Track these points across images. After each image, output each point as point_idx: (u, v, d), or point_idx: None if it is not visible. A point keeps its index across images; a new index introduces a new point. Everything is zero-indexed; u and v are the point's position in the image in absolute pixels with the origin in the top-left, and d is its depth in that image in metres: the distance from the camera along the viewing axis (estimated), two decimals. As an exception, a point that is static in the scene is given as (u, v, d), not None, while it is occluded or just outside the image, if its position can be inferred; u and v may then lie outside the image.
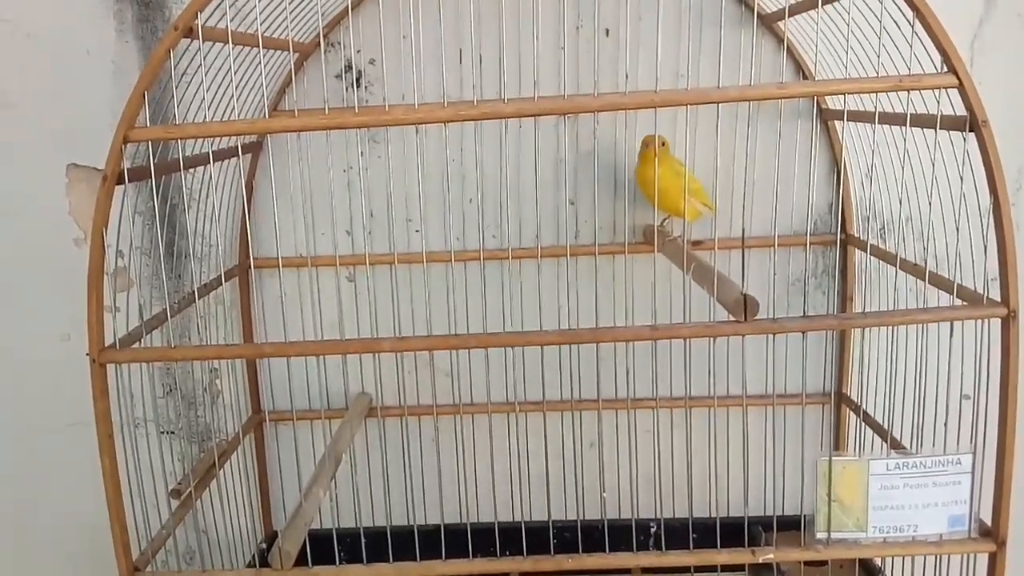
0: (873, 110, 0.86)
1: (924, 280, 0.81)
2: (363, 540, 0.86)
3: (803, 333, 0.75)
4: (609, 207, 1.14)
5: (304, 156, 1.09)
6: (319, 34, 0.81)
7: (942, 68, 0.71)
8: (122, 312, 1.11)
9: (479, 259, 1.07)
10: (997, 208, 0.72)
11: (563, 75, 0.89)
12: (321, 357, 0.79)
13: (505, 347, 0.78)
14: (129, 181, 0.73)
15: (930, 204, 0.81)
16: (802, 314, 0.76)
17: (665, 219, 1.09)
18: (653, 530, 1.16)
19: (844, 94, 0.72)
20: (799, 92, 0.70)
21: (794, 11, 0.90)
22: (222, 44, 0.75)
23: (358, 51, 1.10)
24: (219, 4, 0.72)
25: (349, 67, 1.11)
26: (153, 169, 0.73)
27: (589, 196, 1.13)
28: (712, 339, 0.78)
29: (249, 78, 0.98)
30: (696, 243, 1.10)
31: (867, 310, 1.14)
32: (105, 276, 1.07)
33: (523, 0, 1.05)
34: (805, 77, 1.07)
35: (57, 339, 1.21)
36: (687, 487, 0.93)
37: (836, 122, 1.09)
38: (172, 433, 1.22)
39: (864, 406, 1.11)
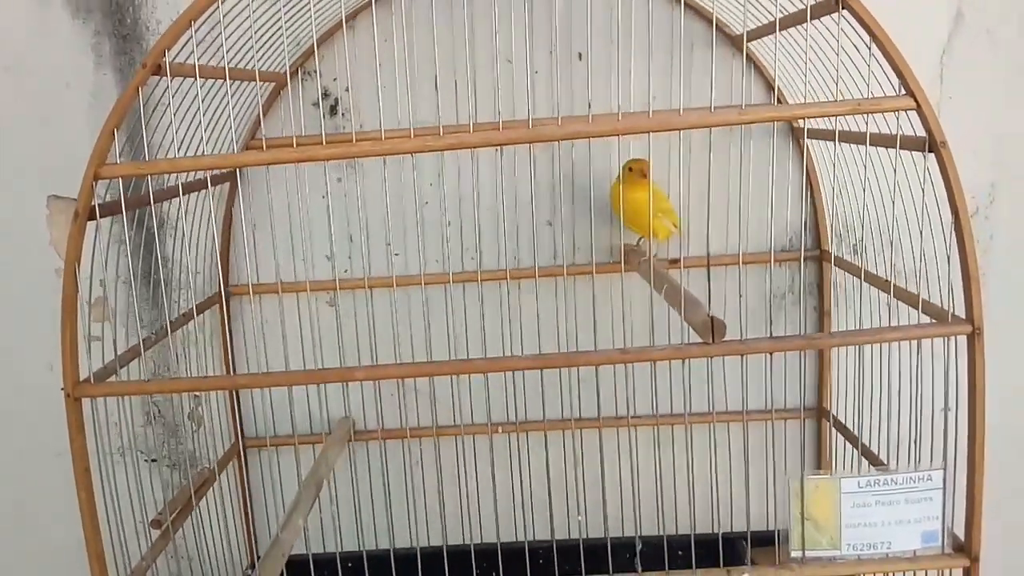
0: (839, 129, 0.87)
1: (890, 294, 0.82)
2: (339, 566, 0.87)
3: (770, 354, 0.76)
4: (586, 228, 1.15)
5: (281, 184, 1.10)
6: (295, 65, 0.82)
7: (900, 91, 0.72)
8: (104, 341, 1.12)
9: (449, 281, 1.08)
10: (958, 226, 0.73)
11: (533, 99, 0.90)
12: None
13: (478, 373, 0.78)
14: (101, 217, 0.73)
15: (895, 221, 0.82)
16: (770, 334, 0.77)
17: (640, 239, 1.10)
18: (639, 548, 1.17)
19: (804, 118, 0.73)
20: (760, 117, 0.71)
21: (753, 36, 0.92)
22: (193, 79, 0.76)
23: (334, 79, 1.11)
24: (189, 39, 0.73)
25: (326, 94, 1.12)
26: (124, 204, 0.74)
27: (567, 217, 1.15)
28: (684, 361, 0.79)
29: (227, 108, 0.99)
30: (672, 262, 1.10)
31: (843, 325, 1.15)
32: (86, 306, 1.08)
33: (498, 24, 1.07)
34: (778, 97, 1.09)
35: (42, 368, 1.21)
36: (659, 503, 0.93)
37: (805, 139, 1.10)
38: (154, 461, 1.23)
39: (844, 420, 1.12)
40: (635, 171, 0.98)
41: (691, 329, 0.78)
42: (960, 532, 0.78)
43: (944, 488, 0.77)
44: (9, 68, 1.13)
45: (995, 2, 1.11)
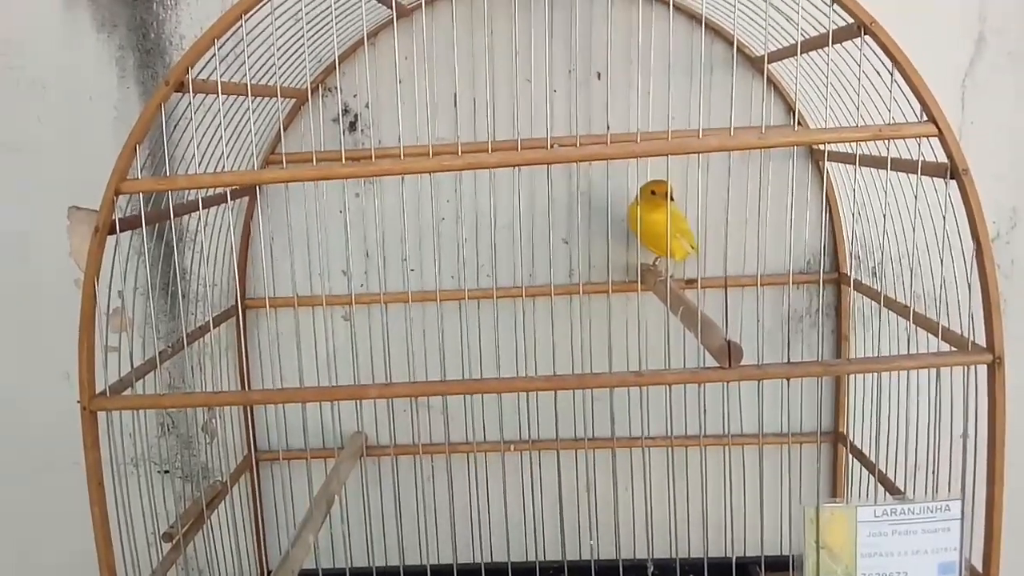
0: (861, 153, 0.87)
1: (909, 320, 0.81)
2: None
3: (787, 380, 0.75)
4: (603, 247, 1.14)
5: (299, 198, 1.10)
6: (316, 81, 0.82)
7: (922, 117, 0.72)
8: (123, 352, 1.13)
9: (465, 298, 1.08)
10: (980, 255, 0.72)
11: (551, 119, 0.90)
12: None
13: (490, 393, 0.77)
14: (121, 231, 0.74)
15: (915, 246, 0.81)
16: (787, 358, 0.77)
17: (656, 259, 1.09)
18: (651, 571, 1.16)
19: (825, 143, 0.73)
20: (780, 142, 0.71)
21: (774, 58, 0.91)
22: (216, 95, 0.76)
23: (354, 95, 1.12)
24: (213, 55, 0.74)
25: (346, 111, 1.13)
26: (144, 219, 0.75)
27: (584, 235, 1.14)
28: (699, 385, 0.78)
29: (249, 122, 1.00)
30: (689, 282, 1.10)
31: (862, 349, 1.14)
32: (104, 317, 1.09)
33: (518, 43, 1.07)
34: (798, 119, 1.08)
35: (59, 377, 1.22)
36: (672, 525, 0.92)
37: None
38: (167, 472, 1.23)
39: (861, 446, 1.11)
40: (659, 194, 0.98)
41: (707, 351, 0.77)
42: (978, 563, 0.77)
43: (962, 519, 0.76)
44: (34, 81, 1.15)
45: (1017, 26, 1.10)
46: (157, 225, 1.07)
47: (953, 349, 0.77)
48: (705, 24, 1.04)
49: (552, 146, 0.72)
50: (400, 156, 0.72)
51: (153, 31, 1.13)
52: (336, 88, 1.12)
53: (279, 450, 1.17)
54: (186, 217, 1.15)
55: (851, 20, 0.71)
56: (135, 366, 0.82)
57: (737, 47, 0.87)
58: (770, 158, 1.08)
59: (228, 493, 1.05)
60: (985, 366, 0.74)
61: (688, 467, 1.14)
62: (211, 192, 0.95)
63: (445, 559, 1.16)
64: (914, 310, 0.81)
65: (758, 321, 0.88)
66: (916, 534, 0.76)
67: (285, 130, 1.11)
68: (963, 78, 1.11)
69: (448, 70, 1.06)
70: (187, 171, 0.87)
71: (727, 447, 1.04)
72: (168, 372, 1.19)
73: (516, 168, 0.74)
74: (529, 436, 1.14)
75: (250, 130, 0.79)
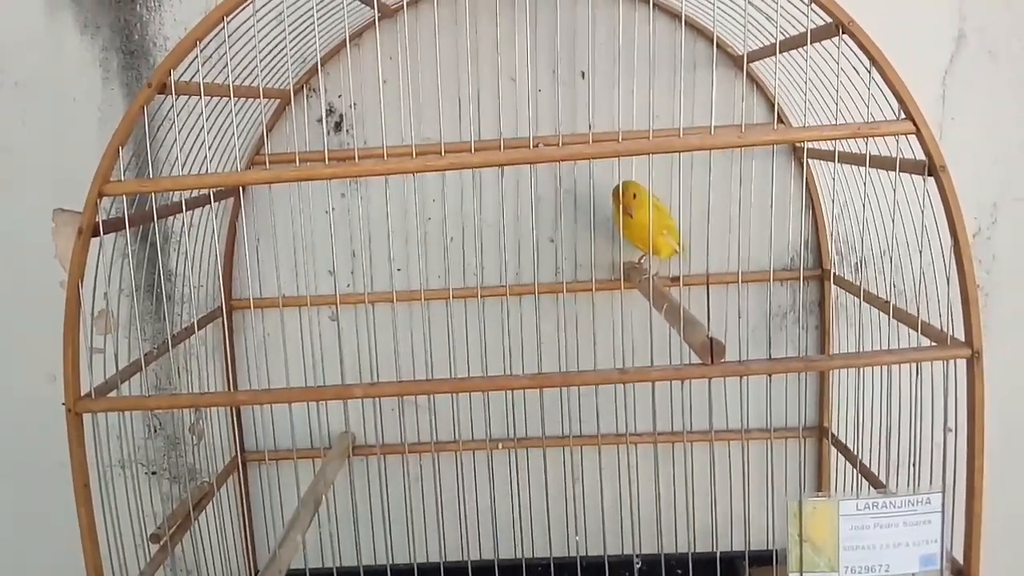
0: (843, 150, 0.88)
1: (889, 315, 0.82)
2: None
3: (769, 376, 0.76)
4: (587, 245, 1.15)
5: (284, 198, 1.10)
6: (300, 82, 0.82)
7: (900, 114, 0.72)
8: (108, 354, 1.13)
9: (450, 297, 1.09)
10: (958, 251, 0.73)
11: (535, 118, 0.91)
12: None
13: (476, 391, 0.78)
14: (105, 233, 0.74)
15: (896, 241, 0.82)
16: (769, 354, 0.77)
17: (641, 256, 1.10)
18: (638, 566, 1.17)
19: (804, 141, 0.74)
20: (759, 140, 0.72)
21: (754, 57, 0.92)
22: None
23: (339, 96, 1.12)
24: (196, 57, 0.74)
25: (331, 111, 1.13)
26: (128, 221, 0.75)
27: (569, 234, 1.15)
28: (682, 381, 0.79)
29: (233, 124, 1.00)
30: (673, 279, 1.11)
31: (845, 343, 1.15)
32: (89, 319, 1.08)
33: (502, 43, 1.08)
34: (780, 118, 1.09)
35: (44, 379, 1.22)
36: (658, 521, 0.93)
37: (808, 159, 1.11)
38: (155, 473, 1.23)
39: (845, 440, 1.12)
40: (637, 198, 0.97)
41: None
42: (959, 556, 0.78)
43: (943, 511, 0.77)
44: (18, 83, 1.14)
45: (997, 24, 1.11)
46: (142, 227, 1.07)
47: (933, 344, 0.78)
48: (686, 23, 1.05)
49: (536, 145, 0.73)
50: (383, 156, 0.73)
51: (137, 32, 1.13)
52: (320, 89, 1.12)
53: (266, 450, 1.17)
54: (171, 218, 1.15)
55: (829, 19, 0.72)
56: (120, 368, 0.82)
57: (718, 46, 0.88)
58: (752, 155, 1.09)
59: (215, 494, 1.05)
60: (964, 360, 0.75)
61: (673, 463, 1.14)
62: (195, 193, 0.95)
63: (432, 557, 1.17)
64: (894, 305, 0.82)
65: (741, 318, 0.88)
66: (898, 527, 0.77)
67: (270, 131, 1.11)
68: (944, 75, 1.12)
69: (432, 70, 1.06)
70: (171, 173, 0.86)
71: (711, 443, 1.04)
72: (154, 373, 1.19)
73: (500, 168, 0.75)
74: (515, 434, 1.14)
75: (234, 131, 0.80)
